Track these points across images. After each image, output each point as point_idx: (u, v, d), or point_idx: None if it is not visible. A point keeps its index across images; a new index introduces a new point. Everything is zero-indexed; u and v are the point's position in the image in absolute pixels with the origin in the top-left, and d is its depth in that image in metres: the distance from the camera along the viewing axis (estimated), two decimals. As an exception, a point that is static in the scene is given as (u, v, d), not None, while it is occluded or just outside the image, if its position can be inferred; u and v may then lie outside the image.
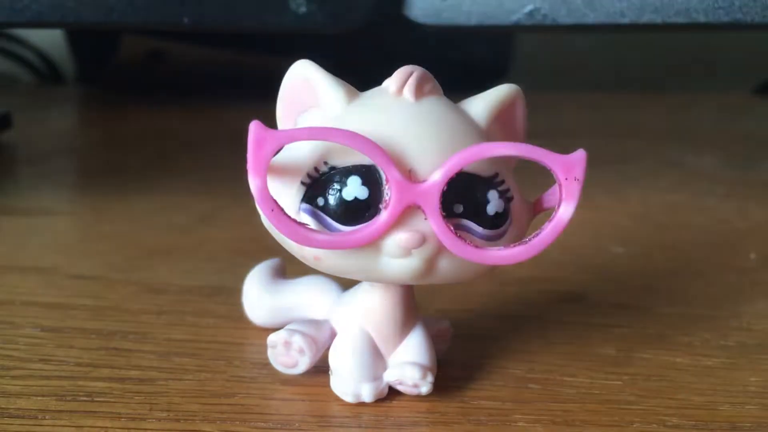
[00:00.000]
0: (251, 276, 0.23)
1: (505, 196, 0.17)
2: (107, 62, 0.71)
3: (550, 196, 0.18)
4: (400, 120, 0.16)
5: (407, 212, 0.16)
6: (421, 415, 0.18)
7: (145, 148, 0.48)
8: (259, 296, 0.22)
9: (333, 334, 0.20)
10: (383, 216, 0.16)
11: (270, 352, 0.19)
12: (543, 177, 0.18)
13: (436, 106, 0.17)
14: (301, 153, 0.16)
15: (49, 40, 0.69)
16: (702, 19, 0.28)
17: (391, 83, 0.17)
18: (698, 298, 0.26)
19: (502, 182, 0.17)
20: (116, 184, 0.38)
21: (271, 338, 0.19)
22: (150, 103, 0.62)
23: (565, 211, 0.16)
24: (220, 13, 0.29)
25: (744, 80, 0.73)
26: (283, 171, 0.16)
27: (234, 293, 0.23)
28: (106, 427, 0.17)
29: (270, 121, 0.18)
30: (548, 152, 0.16)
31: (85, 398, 0.18)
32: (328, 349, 0.19)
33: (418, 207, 0.16)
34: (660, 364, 0.21)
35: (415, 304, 0.19)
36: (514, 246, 0.16)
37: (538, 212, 0.18)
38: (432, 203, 0.16)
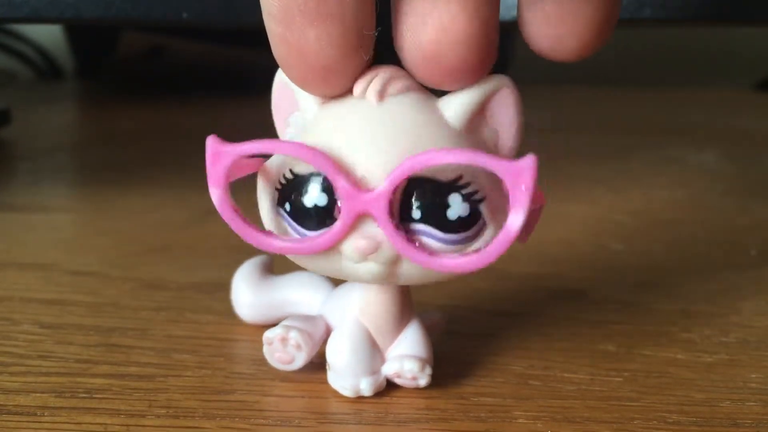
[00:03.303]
0: (239, 273, 0.23)
1: (472, 199, 0.16)
2: (106, 58, 0.71)
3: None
4: (357, 124, 0.16)
5: (362, 219, 0.16)
6: (421, 411, 0.18)
7: (144, 144, 0.48)
8: (248, 293, 0.22)
9: (327, 329, 0.20)
10: (337, 224, 0.16)
11: (266, 349, 0.19)
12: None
13: (400, 107, 0.16)
14: (276, 160, 0.17)
15: (48, 35, 0.69)
16: (703, 14, 0.28)
17: (356, 85, 0.16)
18: (699, 295, 0.26)
19: (467, 185, 0.16)
20: (115, 180, 0.38)
21: (267, 335, 0.19)
22: (149, 99, 0.62)
23: (512, 222, 0.15)
24: (220, 9, 0.29)
25: (745, 76, 0.73)
26: (267, 176, 0.17)
27: (233, 290, 0.23)
28: (105, 424, 0.17)
29: (268, 118, 0.18)
30: (493, 159, 0.15)
31: (84, 395, 0.18)
32: (323, 344, 0.19)
33: (370, 214, 0.16)
34: (660, 360, 0.21)
35: (411, 297, 0.19)
36: (468, 255, 0.16)
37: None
38: (381, 211, 0.15)
